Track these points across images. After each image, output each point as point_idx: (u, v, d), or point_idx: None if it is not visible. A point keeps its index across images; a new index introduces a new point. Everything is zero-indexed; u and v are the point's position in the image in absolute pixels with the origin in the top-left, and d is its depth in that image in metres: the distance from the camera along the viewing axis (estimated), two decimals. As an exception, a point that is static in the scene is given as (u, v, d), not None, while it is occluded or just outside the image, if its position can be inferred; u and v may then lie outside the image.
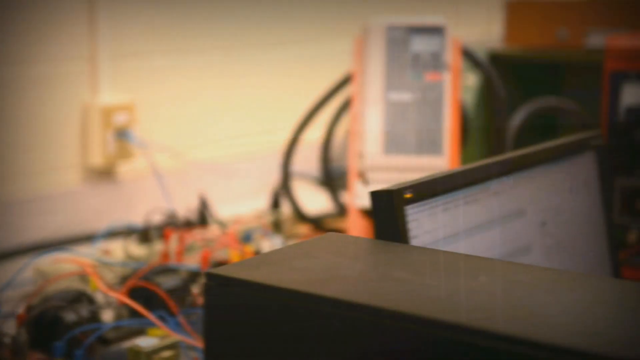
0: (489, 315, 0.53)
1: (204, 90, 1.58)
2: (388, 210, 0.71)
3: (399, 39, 1.16)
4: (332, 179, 1.36)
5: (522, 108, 1.30)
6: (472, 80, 1.60)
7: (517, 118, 1.28)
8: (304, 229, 1.39)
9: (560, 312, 0.53)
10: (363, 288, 0.58)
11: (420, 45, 1.16)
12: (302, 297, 0.57)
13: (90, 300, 0.97)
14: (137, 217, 1.30)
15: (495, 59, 1.65)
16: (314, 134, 1.39)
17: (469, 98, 1.60)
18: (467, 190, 0.79)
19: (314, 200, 1.46)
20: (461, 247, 0.77)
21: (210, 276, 0.60)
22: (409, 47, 1.16)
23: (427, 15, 1.20)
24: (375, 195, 0.71)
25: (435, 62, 1.15)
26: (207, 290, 0.60)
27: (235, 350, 0.60)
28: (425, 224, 0.74)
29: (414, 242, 0.72)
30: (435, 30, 1.16)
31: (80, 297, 0.95)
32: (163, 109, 1.52)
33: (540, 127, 1.57)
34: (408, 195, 0.72)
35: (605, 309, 0.54)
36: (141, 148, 1.43)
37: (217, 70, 1.60)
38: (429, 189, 0.74)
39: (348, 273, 0.61)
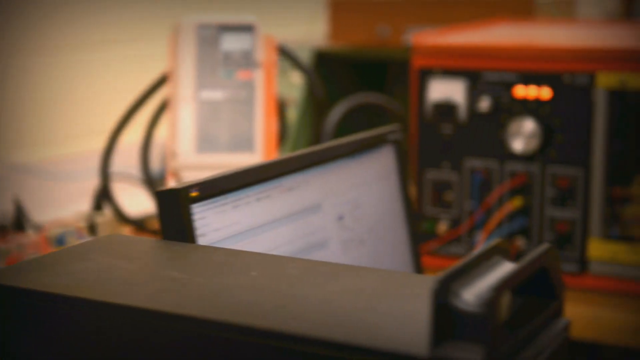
0: (247, 310, 0.53)
1: (21, 92, 1.54)
2: (173, 210, 0.71)
3: (209, 37, 1.16)
4: (153, 179, 1.35)
5: (337, 106, 1.32)
6: (297, 78, 1.62)
7: (333, 115, 1.30)
8: (125, 231, 1.37)
9: (317, 303, 0.54)
10: (131, 289, 0.58)
11: (231, 43, 1.16)
12: (67, 301, 0.56)
13: None
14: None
15: (322, 57, 1.67)
16: (138, 134, 1.37)
17: (296, 95, 1.62)
18: (259, 187, 0.79)
19: (139, 201, 1.44)
20: (253, 244, 0.78)
21: (-27, 283, 0.59)
22: (219, 45, 1.16)
23: (239, 14, 1.21)
24: (160, 195, 0.71)
25: (246, 61, 1.16)
26: (-29, 298, 0.59)
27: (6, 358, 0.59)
28: (213, 222, 0.74)
29: (202, 240, 0.72)
30: (245, 29, 1.16)
31: None
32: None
33: (367, 122, 1.60)
34: (194, 194, 0.72)
35: (362, 300, 0.55)
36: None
37: (36, 71, 1.56)
38: (217, 187, 0.75)
39: (120, 275, 0.60)
